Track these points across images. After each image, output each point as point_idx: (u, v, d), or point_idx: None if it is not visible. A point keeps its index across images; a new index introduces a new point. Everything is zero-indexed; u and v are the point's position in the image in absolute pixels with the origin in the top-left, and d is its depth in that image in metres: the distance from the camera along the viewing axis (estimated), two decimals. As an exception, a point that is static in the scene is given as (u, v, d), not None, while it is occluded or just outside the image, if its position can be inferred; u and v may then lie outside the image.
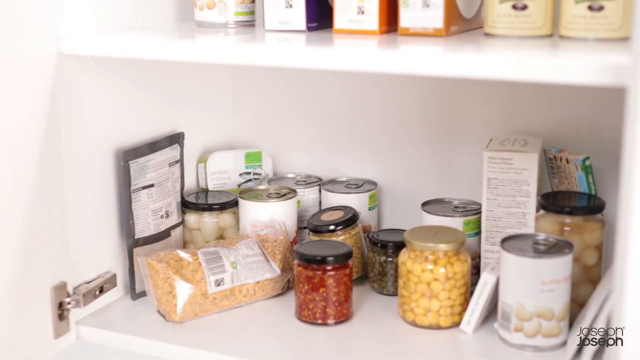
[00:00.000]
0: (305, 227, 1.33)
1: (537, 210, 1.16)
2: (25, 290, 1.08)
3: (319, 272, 1.15)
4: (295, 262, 1.17)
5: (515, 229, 1.17)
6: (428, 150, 1.38)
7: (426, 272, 1.12)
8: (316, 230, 1.27)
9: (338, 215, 1.29)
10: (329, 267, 1.15)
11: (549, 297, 1.06)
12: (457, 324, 1.14)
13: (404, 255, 1.15)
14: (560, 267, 1.05)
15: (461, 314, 1.14)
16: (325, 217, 1.29)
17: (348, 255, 1.16)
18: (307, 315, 1.16)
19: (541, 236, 1.10)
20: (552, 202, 1.14)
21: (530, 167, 1.15)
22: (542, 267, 1.05)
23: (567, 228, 1.12)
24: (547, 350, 1.07)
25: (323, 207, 1.38)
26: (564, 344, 1.08)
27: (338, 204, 1.34)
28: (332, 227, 1.26)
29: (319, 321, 1.16)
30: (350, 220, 1.27)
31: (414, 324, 1.15)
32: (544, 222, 1.14)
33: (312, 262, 1.15)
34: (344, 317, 1.17)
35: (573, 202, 1.16)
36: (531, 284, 1.05)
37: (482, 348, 1.10)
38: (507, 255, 1.07)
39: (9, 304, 1.06)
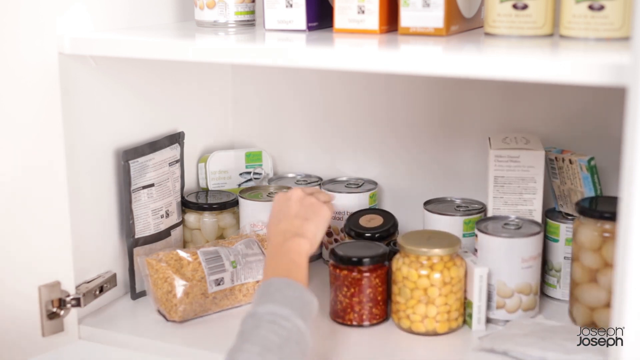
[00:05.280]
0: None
1: (544, 216, 1.16)
2: (17, 288, 1.08)
3: (355, 273, 1.14)
4: (330, 262, 1.16)
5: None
6: (428, 150, 1.38)
7: (422, 278, 1.10)
8: (355, 236, 1.25)
9: (378, 222, 1.27)
10: (365, 268, 1.14)
11: (527, 274, 1.13)
12: (453, 330, 1.13)
13: (398, 262, 1.12)
14: (535, 244, 1.13)
15: (457, 319, 1.13)
16: (364, 222, 1.27)
17: (384, 256, 1.15)
18: (348, 318, 1.15)
19: (511, 217, 1.17)
20: (592, 208, 1.12)
21: (537, 164, 1.16)
22: (522, 245, 1.12)
23: (607, 234, 1.09)
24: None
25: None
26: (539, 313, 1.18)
27: (338, 203, 1.33)
28: (368, 235, 1.24)
29: (355, 323, 1.15)
30: (390, 229, 1.26)
31: (409, 330, 1.12)
32: (583, 229, 1.12)
33: (348, 263, 1.14)
34: (380, 318, 1.16)
35: (613, 208, 1.13)
36: (513, 262, 1.12)
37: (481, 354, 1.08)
38: (488, 237, 1.12)
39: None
